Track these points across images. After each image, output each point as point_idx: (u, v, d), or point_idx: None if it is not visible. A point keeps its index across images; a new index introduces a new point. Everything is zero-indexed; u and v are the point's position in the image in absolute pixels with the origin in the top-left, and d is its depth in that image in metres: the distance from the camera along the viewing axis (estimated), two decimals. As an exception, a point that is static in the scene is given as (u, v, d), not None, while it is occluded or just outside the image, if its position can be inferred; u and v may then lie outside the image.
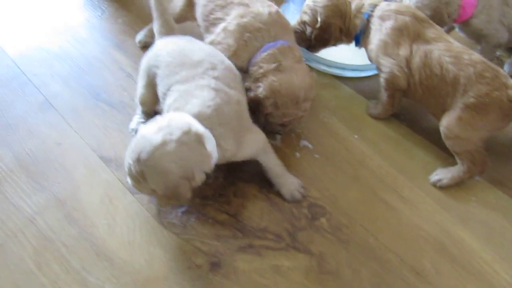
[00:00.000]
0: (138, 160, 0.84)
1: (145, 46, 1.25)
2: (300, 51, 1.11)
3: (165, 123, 0.86)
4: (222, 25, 1.12)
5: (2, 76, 1.25)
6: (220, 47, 1.10)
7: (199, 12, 1.18)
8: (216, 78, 0.95)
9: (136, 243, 0.95)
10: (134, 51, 1.31)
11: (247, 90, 1.06)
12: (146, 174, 0.84)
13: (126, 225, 0.97)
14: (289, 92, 1.03)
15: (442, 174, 1.07)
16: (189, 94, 0.93)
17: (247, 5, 1.11)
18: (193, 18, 1.23)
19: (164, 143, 0.83)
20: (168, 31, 1.12)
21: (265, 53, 1.07)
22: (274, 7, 1.13)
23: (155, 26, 1.13)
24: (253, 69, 1.07)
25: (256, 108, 1.05)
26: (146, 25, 1.31)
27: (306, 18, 1.18)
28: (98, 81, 1.24)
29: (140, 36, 1.32)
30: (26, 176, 1.05)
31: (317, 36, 1.16)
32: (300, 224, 1.00)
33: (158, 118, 0.89)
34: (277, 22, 1.11)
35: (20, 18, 1.40)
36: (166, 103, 0.96)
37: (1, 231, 0.96)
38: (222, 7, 1.13)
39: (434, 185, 1.07)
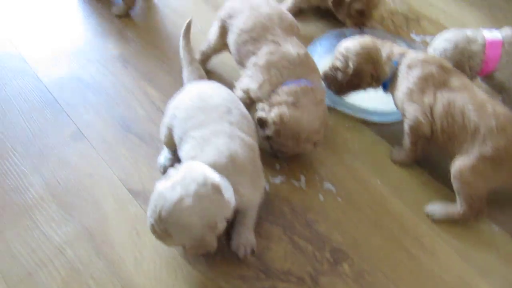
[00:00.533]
0: (159, 219, 0.86)
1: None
2: (322, 93, 1.16)
3: (180, 177, 0.88)
4: (253, 60, 1.18)
5: (36, 103, 1.29)
6: (248, 80, 1.16)
7: (232, 39, 1.24)
8: (231, 123, 0.99)
9: (163, 279, 0.97)
10: (164, 85, 1.35)
11: (260, 109, 1.13)
12: (170, 231, 0.87)
13: (153, 260, 0.99)
14: (294, 128, 1.10)
15: (437, 209, 1.10)
16: (205, 141, 0.96)
17: (278, 44, 1.17)
18: (227, 48, 1.29)
19: (181, 199, 0.85)
20: (197, 78, 1.18)
21: (288, 87, 1.13)
22: (303, 49, 1.19)
23: (184, 73, 1.20)
24: (273, 95, 1.13)
25: (261, 125, 1.13)
26: (176, 61, 1.35)
27: (338, 64, 1.22)
28: (129, 113, 1.28)
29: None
30: (57, 205, 1.08)
31: (348, 82, 1.20)
32: (322, 268, 1.01)
33: (172, 171, 0.91)
34: (304, 62, 1.17)
35: (55, 47, 1.45)
36: (183, 149, 0.99)
37: (31, 260, 0.98)
38: (255, 40, 1.18)
39: (427, 215, 1.10)
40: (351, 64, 1.18)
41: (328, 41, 1.46)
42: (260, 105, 1.15)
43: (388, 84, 1.18)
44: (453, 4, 1.72)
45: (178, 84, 1.31)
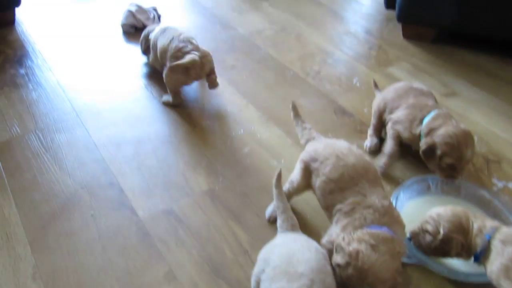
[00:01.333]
0: None
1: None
2: (401, 246, 1.16)
3: None
4: (338, 206, 1.22)
5: (133, 238, 1.37)
6: (334, 228, 1.21)
7: (318, 185, 1.29)
8: None
9: None
10: (252, 226, 1.41)
11: (341, 239, 1.13)
12: None
13: None
14: (363, 269, 1.09)
15: None
16: None
17: (364, 195, 1.21)
18: (310, 188, 1.34)
19: None
20: (289, 228, 1.22)
21: (370, 230, 1.14)
22: (387, 200, 1.22)
23: (278, 221, 1.25)
24: (355, 232, 1.15)
25: (336, 250, 1.13)
26: (268, 201, 1.42)
27: (428, 227, 1.24)
28: (217, 255, 1.33)
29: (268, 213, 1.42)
30: None
31: (437, 246, 1.21)
32: None
33: None
34: (388, 213, 1.20)
35: (150, 178, 1.55)
36: None
37: None
38: (342, 190, 1.23)
39: None
40: (441, 230, 1.20)
41: (411, 188, 1.49)
42: (342, 236, 1.16)
43: (479, 256, 1.18)
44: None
45: (265, 226, 1.36)
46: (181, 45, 1.73)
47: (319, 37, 2.35)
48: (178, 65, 1.70)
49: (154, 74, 2.02)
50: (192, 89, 1.96)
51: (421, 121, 1.49)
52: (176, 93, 1.82)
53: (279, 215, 1.26)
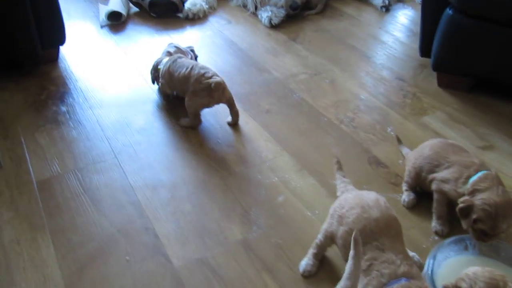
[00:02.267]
0: None
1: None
2: (423, 283, 1.15)
3: None
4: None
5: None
6: None
7: (339, 233, 1.29)
8: None
9: None
10: (286, 281, 1.40)
11: None
12: None
13: None
14: None
15: None
16: None
17: (382, 251, 1.20)
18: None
19: None
20: None
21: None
22: (404, 254, 1.22)
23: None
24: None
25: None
26: (302, 254, 1.41)
27: (463, 285, 1.21)
28: (251, 310, 1.32)
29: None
30: None
31: (471, 305, 1.18)
32: None
33: None
34: (404, 263, 1.18)
35: (185, 225, 1.57)
36: None
37: None
38: (363, 243, 1.21)
39: None
40: (476, 289, 1.17)
41: (449, 248, 1.46)
42: None
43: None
44: None
45: (298, 280, 1.36)
46: (202, 71, 1.92)
47: (353, 83, 2.36)
48: (206, 84, 1.88)
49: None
50: (228, 133, 1.99)
51: (467, 179, 1.47)
52: (196, 116, 1.98)
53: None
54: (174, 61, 2.04)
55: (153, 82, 2.21)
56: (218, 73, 1.96)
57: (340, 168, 1.52)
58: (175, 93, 2.14)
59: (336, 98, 2.24)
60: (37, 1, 2.16)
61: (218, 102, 1.98)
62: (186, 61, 2.04)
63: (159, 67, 2.12)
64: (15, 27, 2.12)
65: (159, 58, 2.17)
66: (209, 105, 1.98)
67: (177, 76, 1.99)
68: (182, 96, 2.03)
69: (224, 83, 1.94)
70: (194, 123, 2.01)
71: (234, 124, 2.04)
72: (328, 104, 2.20)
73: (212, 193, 1.69)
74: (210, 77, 1.91)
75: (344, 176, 1.48)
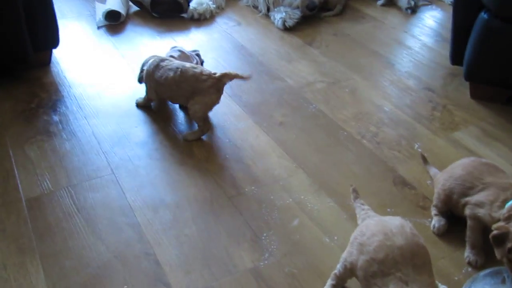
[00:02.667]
0: None
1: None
2: None
3: None
4: None
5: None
6: None
7: (360, 263, 1.28)
8: None
9: None
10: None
11: None
12: None
13: None
14: None
15: None
16: None
17: (406, 283, 1.19)
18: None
19: None
20: None
21: None
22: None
23: None
24: None
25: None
26: (319, 285, 1.41)
27: None
28: None
29: None
30: None
31: None
32: None
33: None
34: None
35: (189, 252, 1.57)
36: None
37: None
38: (384, 274, 1.21)
39: None
40: None
41: (484, 281, 1.46)
42: None
43: None
44: None
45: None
46: (197, 70, 1.99)
47: (375, 93, 2.37)
48: (213, 80, 1.96)
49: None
50: (237, 148, 2.00)
51: (503, 203, 1.46)
52: (206, 120, 2.04)
53: None
54: (156, 66, 2.07)
55: (139, 81, 2.23)
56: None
57: (357, 196, 1.51)
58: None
59: (357, 109, 2.25)
60: None
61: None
62: (171, 63, 2.06)
63: (143, 68, 2.16)
64: (5, 26, 2.15)
65: (147, 58, 2.17)
66: (217, 101, 2.04)
67: (164, 81, 2.03)
68: (174, 103, 2.14)
69: None
70: (205, 128, 2.05)
71: None
72: (348, 116, 2.21)
73: (220, 216, 1.70)
74: (209, 73, 1.98)
75: (363, 204, 1.48)
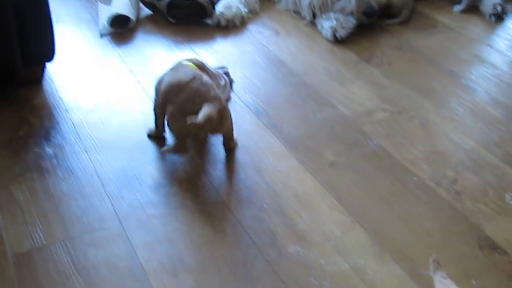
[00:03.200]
0: None
1: None
2: None
3: None
4: None
5: None
6: None
7: None
8: None
9: None
10: None
11: None
12: None
13: None
14: None
15: None
16: None
17: None
18: None
19: None
20: None
21: None
22: None
23: None
24: None
25: None
26: None
27: None
28: None
29: None
30: None
31: None
32: None
33: None
34: None
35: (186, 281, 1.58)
36: None
37: None
38: None
39: None
40: None
41: None
42: None
43: None
44: None
45: None
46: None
47: (453, 126, 2.37)
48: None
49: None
50: (277, 195, 2.01)
51: None
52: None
53: None
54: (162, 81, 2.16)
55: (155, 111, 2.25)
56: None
57: (438, 268, 1.50)
58: None
59: (430, 148, 2.25)
60: (22, 3, 2.26)
61: None
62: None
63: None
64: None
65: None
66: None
67: (179, 102, 2.04)
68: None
69: None
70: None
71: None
72: (419, 156, 2.21)
73: (256, 283, 1.71)
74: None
75: (445, 278, 1.47)
